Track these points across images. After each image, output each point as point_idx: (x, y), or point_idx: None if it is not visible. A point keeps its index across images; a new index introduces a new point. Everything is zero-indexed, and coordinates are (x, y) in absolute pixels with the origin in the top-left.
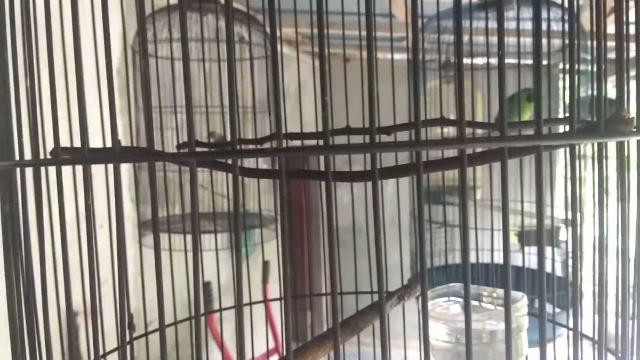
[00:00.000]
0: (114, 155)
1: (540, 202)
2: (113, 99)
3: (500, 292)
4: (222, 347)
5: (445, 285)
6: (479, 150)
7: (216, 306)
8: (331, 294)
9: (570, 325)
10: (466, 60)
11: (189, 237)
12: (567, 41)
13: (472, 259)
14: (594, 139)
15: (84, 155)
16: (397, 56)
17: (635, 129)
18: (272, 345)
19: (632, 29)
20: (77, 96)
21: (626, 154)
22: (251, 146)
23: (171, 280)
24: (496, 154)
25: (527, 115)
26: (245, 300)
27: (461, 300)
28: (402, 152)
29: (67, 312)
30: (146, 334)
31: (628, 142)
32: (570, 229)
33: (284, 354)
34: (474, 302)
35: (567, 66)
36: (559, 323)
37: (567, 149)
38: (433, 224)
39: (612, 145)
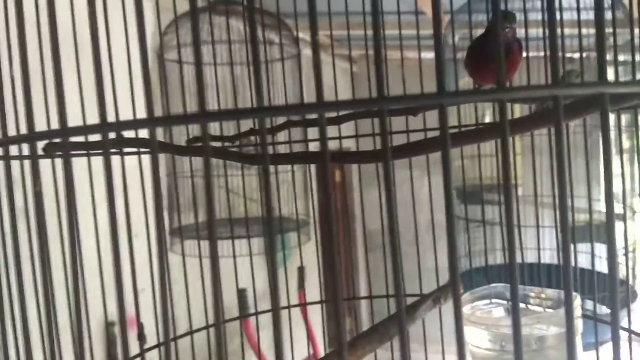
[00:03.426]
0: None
1: None
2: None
3: (549, 292)
4: (259, 353)
5: (486, 286)
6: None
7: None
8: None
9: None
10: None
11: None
12: None
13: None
14: None
15: (102, 124)
16: (427, 55)
17: None
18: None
19: None
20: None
21: None
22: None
23: (202, 286)
24: (591, 102)
25: None
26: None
27: (505, 302)
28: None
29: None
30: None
31: None
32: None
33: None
34: (520, 305)
35: None
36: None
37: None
38: (471, 222)
39: None
